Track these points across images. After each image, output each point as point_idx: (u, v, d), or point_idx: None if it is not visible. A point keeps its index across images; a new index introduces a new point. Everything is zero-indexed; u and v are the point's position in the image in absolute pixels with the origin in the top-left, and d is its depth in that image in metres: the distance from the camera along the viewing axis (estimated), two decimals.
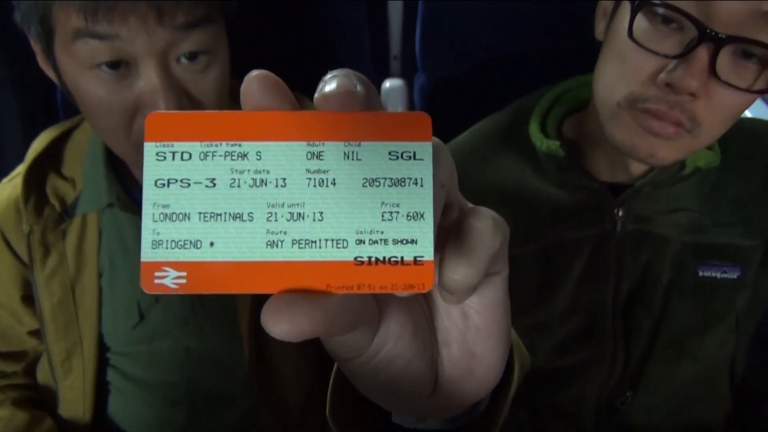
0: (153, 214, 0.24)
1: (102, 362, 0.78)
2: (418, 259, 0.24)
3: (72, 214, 0.75)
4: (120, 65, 0.60)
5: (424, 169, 0.24)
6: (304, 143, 0.24)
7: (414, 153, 0.24)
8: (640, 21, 0.57)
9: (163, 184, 0.24)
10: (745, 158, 0.68)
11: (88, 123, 0.68)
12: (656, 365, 0.73)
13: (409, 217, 0.24)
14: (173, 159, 0.24)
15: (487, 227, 0.26)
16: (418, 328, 0.28)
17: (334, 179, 0.24)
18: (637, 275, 0.72)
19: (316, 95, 0.24)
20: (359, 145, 0.24)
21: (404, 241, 0.24)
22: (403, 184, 0.24)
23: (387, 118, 0.24)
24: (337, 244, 0.24)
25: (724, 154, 0.70)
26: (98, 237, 0.75)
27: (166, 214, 0.24)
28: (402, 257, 0.24)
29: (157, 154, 0.24)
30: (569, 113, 0.77)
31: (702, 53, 0.54)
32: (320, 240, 0.24)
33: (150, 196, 0.24)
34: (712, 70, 0.54)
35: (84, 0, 0.57)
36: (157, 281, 0.24)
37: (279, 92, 0.24)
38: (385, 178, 0.24)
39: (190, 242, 0.24)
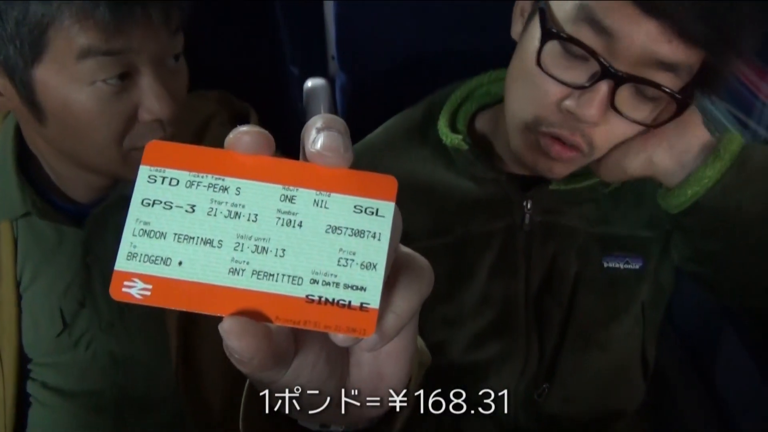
0: (134, 228, 0.26)
1: (22, 374, 0.76)
2: (364, 305, 0.26)
3: None
4: (126, 75, 0.61)
5: (383, 225, 0.27)
6: (280, 186, 0.27)
7: (377, 210, 0.27)
8: (550, 47, 0.60)
9: (149, 204, 0.27)
10: None
11: (67, 141, 0.66)
12: (568, 356, 0.75)
13: (362, 266, 0.26)
14: (162, 183, 0.27)
15: (422, 279, 0.28)
16: (332, 353, 0.29)
17: (300, 222, 0.27)
18: (546, 267, 0.73)
19: (308, 145, 0.27)
20: (329, 196, 0.27)
21: (354, 287, 0.26)
22: (362, 235, 0.27)
23: (358, 176, 0.27)
24: (293, 280, 0.26)
25: None
26: (14, 245, 0.74)
27: (146, 231, 0.26)
28: (350, 301, 0.26)
29: (149, 177, 0.27)
30: (482, 108, 0.79)
31: (604, 87, 0.58)
32: (278, 274, 0.26)
33: (135, 212, 0.27)
34: (612, 103, 0.59)
35: (106, 18, 0.57)
36: (124, 290, 0.26)
37: (267, 145, 0.27)
38: (347, 228, 0.27)
39: (161, 259, 0.26)
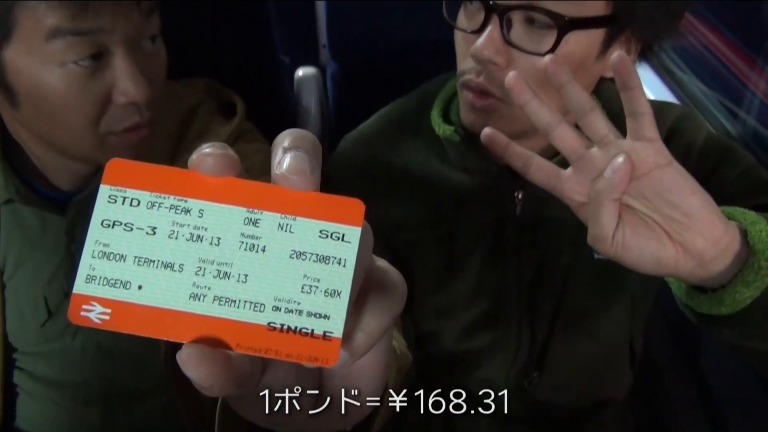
0: (93, 250, 0.26)
1: (8, 364, 0.75)
2: (327, 334, 0.25)
3: None
4: (98, 57, 0.60)
5: (349, 251, 0.26)
6: (244, 209, 0.26)
7: (343, 235, 0.26)
8: (461, 6, 0.65)
9: (109, 225, 0.26)
10: None
11: (42, 125, 0.65)
12: (558, 345, 0.76)
13: (326, 294, 0.25)
14: (123, 203, 0.26)
15: (394, 297, 0.27)
16: (302, 369, 0.29)
17: (264, 246, 0.26)
18: (537, 258, 0.73)
19: (274, 167, 0.26)
20: (294, 220, 0.26)
21: (318, 315, 0.25)
22: (327, 261, 0.26)
23: (324, 200, 0.26)
24: (255, 307, 0.25)
25: None
26: None
27: (105, 253, 0.26)
28: (313, 330, 0.25)
29: (109, 197, 0.26)
30: None
31: (494, 25, 0.60)
32: (240, 300, 0.25)
33: (94, 233, 0.26)
34: (506, 39, 0.61)
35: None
36: (83, 313, 0.25)
37: (231, 167, 0.26)
38: (312, 254, 0.26)
39: (121, 282, 0.25)
